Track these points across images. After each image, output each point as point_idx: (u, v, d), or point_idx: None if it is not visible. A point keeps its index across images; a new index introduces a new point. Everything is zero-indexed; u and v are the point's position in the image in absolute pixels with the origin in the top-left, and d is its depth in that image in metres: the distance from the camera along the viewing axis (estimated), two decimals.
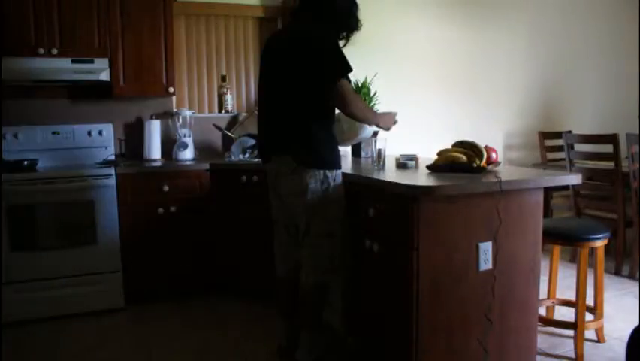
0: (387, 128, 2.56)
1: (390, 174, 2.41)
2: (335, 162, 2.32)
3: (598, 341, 2.72)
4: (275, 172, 2.40)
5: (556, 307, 2.98)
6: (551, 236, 2.58)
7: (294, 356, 2.44)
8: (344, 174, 2.40)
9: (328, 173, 2.28)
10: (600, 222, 3.02)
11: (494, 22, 4.75)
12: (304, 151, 2.26)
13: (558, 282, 2.94)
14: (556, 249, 2.86)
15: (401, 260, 2.04)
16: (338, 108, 2.30)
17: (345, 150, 3.27)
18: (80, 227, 3.14)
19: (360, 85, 3.47)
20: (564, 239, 2.61)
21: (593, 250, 2.61)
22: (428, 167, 2.40)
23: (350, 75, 2.25)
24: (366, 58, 4.08)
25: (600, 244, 2.57)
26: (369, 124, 2.66)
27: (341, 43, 2.39)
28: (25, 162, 3.22)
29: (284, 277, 2.52)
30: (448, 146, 2.49)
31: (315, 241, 2.31)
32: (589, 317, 2.69)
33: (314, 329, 2.40)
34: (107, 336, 2.91)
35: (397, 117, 2.63)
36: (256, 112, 3.96)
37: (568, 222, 2.86)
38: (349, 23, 2.42)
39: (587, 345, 2.62)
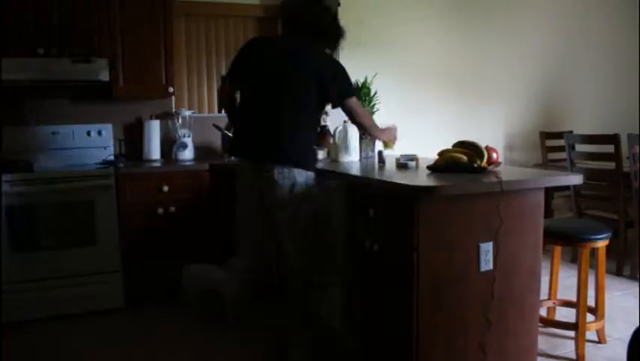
0: (389, 142, 2.81)
1: (391, 174, 2.40)
2: (313, 160, 2.54)
3: (599, 342, 2.72)
4: (254, 170, 2.40)
5: (557, 308, 2.97)
6: (552, 236, 2.57)
7: (289, 356, 2.45)
8: (345, 174, 2.43)
9: (308, 171, 2.40)
10: (601, 223, 3.01)
11: (495, 22, 4.74)
12: (289, 149, 2.36)
13: (559, 282, 2.93)
14: (557, 249, 2.85)
15: (401, 260, 2.04)
16: (349, 118, 2.57)
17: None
18: (80, 227, 3.14)
19: (360, 85, 3.46)
20: (565, 239, 2.60)
21: (593, 251, 2.60)
22: (429, 167, 2.39)
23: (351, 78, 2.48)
24: (366, 58, 4.08)
25: (601, 244, 2.56)
26: (372, 134, 2.75)
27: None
28: (23, 162, 3.22)
29: (261, 279, 2.58)
30: (449, 146, 2.49)
31: (296, 237, 2.38)
32: (590, 317, 2.68)
33: (308, 329, 2.41)
34: (107, 336, 2.90)
35: (398, 132, 2.86)
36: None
37: (569, 222, 2.85)
38: (336, 35, 2.54)
39: (588, 346, 2.61)
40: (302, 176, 2.36)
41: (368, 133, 2.79)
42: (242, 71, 2.52)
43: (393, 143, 2.88)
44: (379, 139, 2.84)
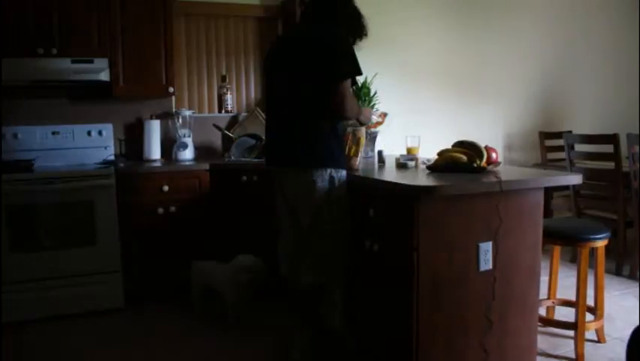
0: (367, 122, 2.64)
1: (391, 174, 2.40)
2: (340, 161, 2.32)
3: (598, 342, 2.72)
4: (280, 173, 2.41)
5: (557, 308, 2.97)
6: (552, 236, 2.57)
7: (289, 356, 2.45)
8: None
9: (334, 173, 2.28)
10: (600, 223, 3.01)
11: (495, 22, 4.75)
12: (310, 151, 2.26)
13: (558, 282, 2.93)
14: (557, 249, 2.85)
15: (401, 260, 2.04)
16: (333, 107, 2.22)
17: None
18: (80, 227, 3.14)
19: (360, 85, 3.46)
20: (564, 239, 2.60)
21: (593, 250, 2.60)
22: (428, 167, 2.40)
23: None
24: (366, 58, 4.07)
25: (600, 244, 2.56)
26: (353, 118, 2.46)
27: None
28: (23, 162, 3.22)
29: (287, 276, 2.53)
30: (449, 146, 2.49)
31: (318, 241, 2.31)
32: (589, 317, 2.69)
33: (308, 329, 2.41)
34: (107, 336, 2.90)
35: (375, 115, 2.79)
36: (257, 112, 3.96)
37: (568, 222, 2.85)
38: (359, 28, 2.46)
39: (587, 345, 2.61)
40: (322, 178, 2.24)
41: (347, 118, 2.37)
42: (265, 74, 2.56)
43: (369, 121, 2.67)
44: (358, 120, 2.50)
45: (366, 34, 2.50)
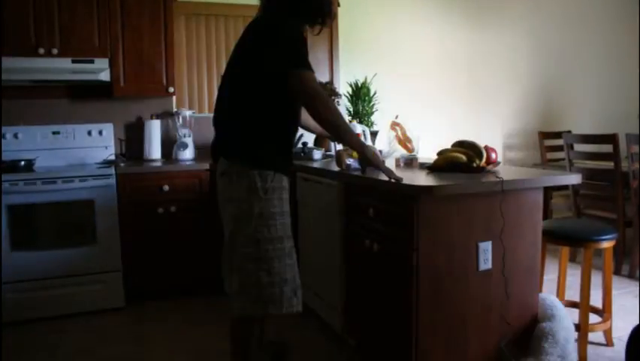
0: (369, 163, 2.11)
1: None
2: (274, 162, 1.94)
3: (606, 345, 2.66)
4: (217, 172, 2.10)
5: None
6: (558, 238, 2.55)
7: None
8: (345, 174, 2.39)
9: (263, 174, 1.90)
10: (606, 223, 2.99)
11: (495, 22, 4.76)
12: (237, 148, 1.95)
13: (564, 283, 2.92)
14: (565, 251, 2.83)
15: (401, 260, 2.05)
16: (303, 105, 1.99)
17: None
18: (80, 227, 3.14)
19: (360, 85, 3.47)
20: (571, 241, 2.56)
21: (595, 251, 2.57)
22: (428, 167, 2.40)
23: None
24: (366, 58, 4.09)
25: (608, 245, 2.53)
26: (341, 137, 2.06)
27: (316, 29, 2.09)
28: (23, 162, 3.23)
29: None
30: (448, 146, 2.50)
31: (240, 263, 1.94)
32: (594, 318, 2.66)
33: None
34: (108, 335, 2.91)
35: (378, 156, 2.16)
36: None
37: (574, 223, 2.82)
38: (320, 10, 2.05)
39: (592, 348, 2.58)
40: (249, 180, 1.89)
41: (330, 131, 2.06)
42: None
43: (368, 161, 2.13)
44: (350, 146, 2.12)
45: (329, 17, 2.08)
